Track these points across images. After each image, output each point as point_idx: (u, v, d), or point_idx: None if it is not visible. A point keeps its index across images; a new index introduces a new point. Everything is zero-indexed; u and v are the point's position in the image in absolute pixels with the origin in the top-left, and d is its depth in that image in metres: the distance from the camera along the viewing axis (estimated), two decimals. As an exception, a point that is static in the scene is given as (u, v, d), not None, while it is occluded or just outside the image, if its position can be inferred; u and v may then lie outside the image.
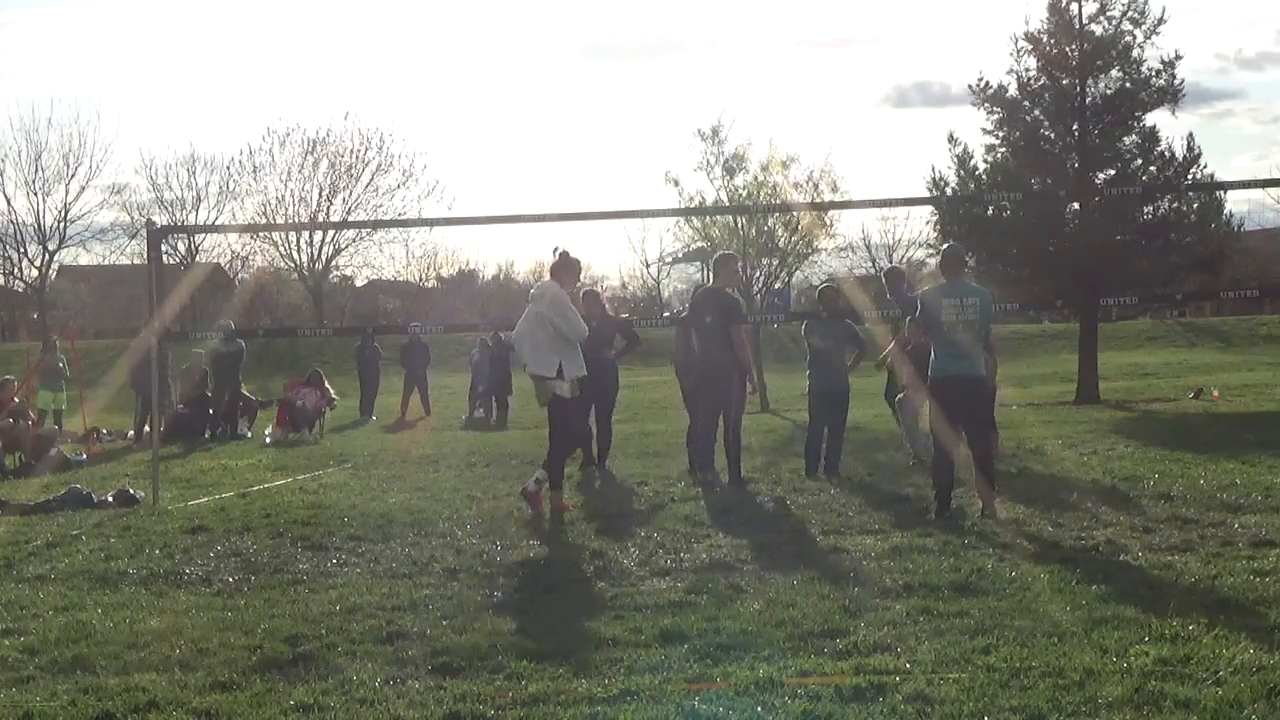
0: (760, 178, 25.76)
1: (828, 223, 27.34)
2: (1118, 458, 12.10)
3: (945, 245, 12.34)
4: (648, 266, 63.93)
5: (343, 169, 50.90)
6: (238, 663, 5.35)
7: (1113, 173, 22.44)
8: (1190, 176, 22.09)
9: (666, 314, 38.05)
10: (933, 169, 23.56)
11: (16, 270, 54.52)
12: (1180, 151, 22.18)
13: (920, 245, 54.24)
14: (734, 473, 10.92)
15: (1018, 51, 22.77)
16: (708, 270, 16.11)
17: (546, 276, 10.09)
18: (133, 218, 51.23)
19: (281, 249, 50.77)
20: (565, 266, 9.78)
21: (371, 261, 55.45)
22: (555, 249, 9.89)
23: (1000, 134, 23.01)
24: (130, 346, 21.40)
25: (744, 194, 25.27)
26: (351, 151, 50.87)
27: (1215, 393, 22.11)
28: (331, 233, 51.06)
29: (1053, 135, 22.85)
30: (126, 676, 5.19)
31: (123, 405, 21.67)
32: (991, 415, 10.09)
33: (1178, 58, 22.14)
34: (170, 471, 13.38)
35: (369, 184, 51.03)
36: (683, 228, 28.57)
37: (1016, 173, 22.47)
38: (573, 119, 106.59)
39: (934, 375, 8.92)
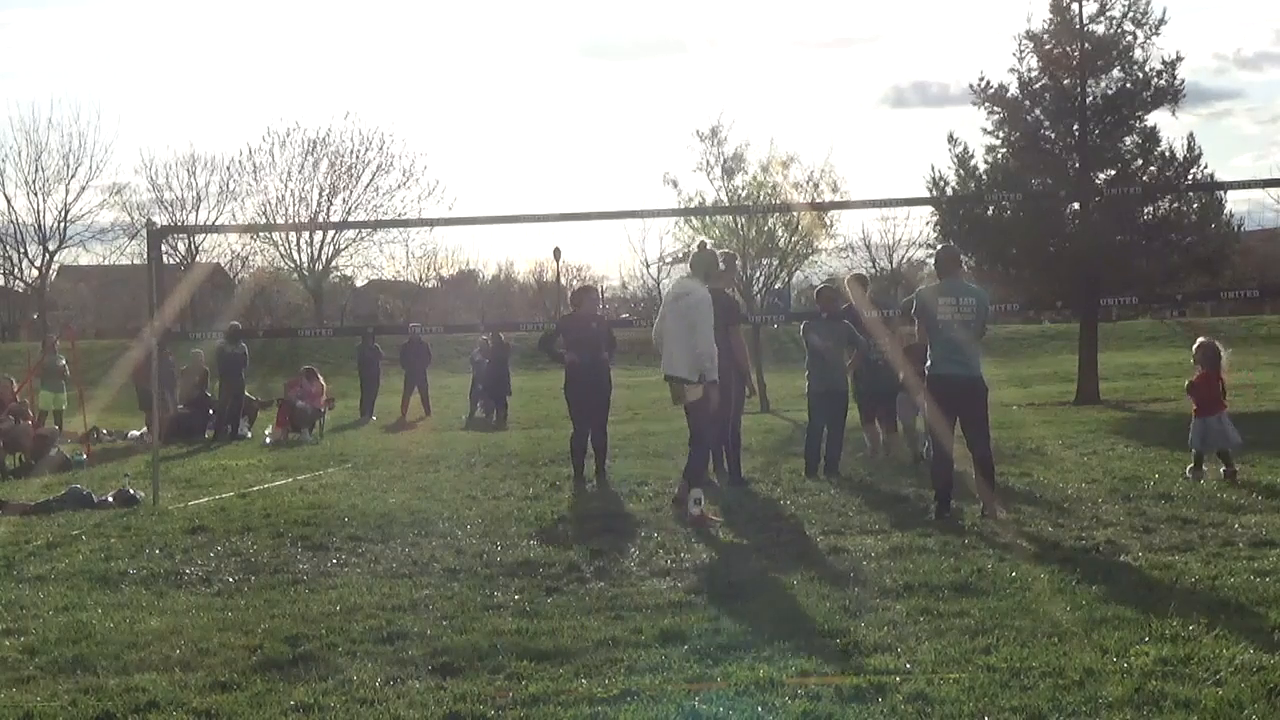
0: (760, 178, 25.80)
1: (828, 223, 27.37)
2: (1118, 458, 12.10)
3: (940, 247, 12.30)
4: (648, 267, 63.94)
5: (343, 169, 50.96)
6: (238, 663, 5.35)
7: (1113, 173, 22.44)
8: (1190, 176, 22.11)
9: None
10: (932, 169, 23.59)
11: (16, 270, 54.66)
12: (1180, 152, 22.23)
13: (920, 245, 54.41)
14: (734, 473, 10.91)
15: (1020, 51, 22.80)
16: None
17: (687, 271, 9.52)
18: (133, 218, 51.35)
19: (281, 249, 50.80)
20: (723, 262, 9.65)
21: (371, 261, 55.55)
22: (700, 243, 9.52)
23: (1000, 134, 23.02)
24: (136, 344, 21.42)
25: (744, 194, 25.27)
26: (352, 152, 50.96)
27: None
28: (331, 233, 51.08)
29: (1053, 135, 22.86)
30: (126, 676, 5.19)
31: (123, 405, 21.68)
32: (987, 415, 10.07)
33: (1178, 58, 22.20)
34: (170, 471, 13.38)
35: (369, 184, 51.11)
36: (682, 228, 28.57)
37: (1017, 173, 22.48)
38: (572, 119, 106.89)
39: (930, 374, 8.93)
